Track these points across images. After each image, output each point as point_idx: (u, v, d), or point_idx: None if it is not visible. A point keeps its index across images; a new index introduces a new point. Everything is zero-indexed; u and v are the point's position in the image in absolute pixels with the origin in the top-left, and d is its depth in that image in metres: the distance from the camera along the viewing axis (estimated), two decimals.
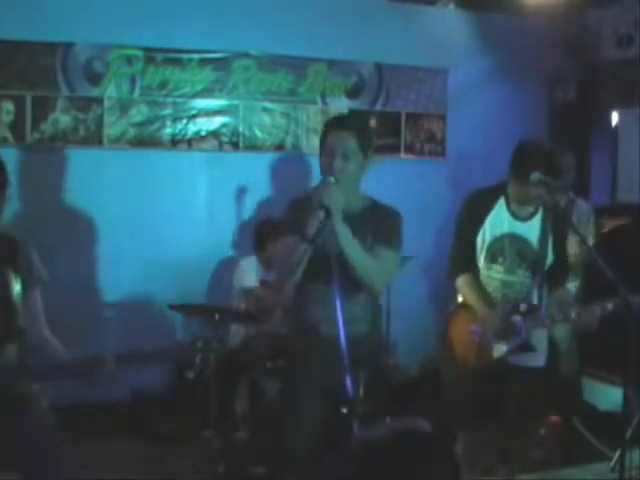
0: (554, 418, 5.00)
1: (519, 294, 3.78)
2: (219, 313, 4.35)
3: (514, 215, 3.80)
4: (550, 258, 3.81)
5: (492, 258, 3.79)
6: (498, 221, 3.80)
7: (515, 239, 3.79)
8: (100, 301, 5.37)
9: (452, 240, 3.90)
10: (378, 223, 3.29)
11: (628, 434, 4.23)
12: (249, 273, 5.07)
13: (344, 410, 2.72)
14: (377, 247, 3.25)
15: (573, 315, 3.59)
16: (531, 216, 3.81)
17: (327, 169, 3.21)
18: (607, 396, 5.01)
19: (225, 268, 5.45)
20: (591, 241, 4.71)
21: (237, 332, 4.85)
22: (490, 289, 3.80)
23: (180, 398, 5.01)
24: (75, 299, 5.06)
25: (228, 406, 4.51)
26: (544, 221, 3.80)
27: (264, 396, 4.45)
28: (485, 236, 3.81)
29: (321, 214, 3.02)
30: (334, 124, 3.32)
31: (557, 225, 3.83)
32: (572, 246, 4.73)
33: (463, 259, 3.86)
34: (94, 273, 5.38)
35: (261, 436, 4.25)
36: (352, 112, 5.70)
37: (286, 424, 3.16)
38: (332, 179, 3.14)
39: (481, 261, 3.82)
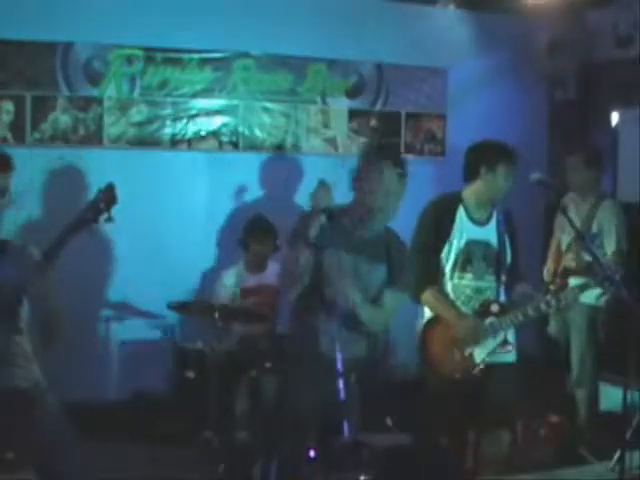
0: (554, 418, 5.00)
1: (490, 298, 3.77)
2: (219, 312, 4.35)
3: (474, 221, 3.78)
4: (509, 258, 3.82)
5: (462, 267, 3.75)
6: (460, 229, 3.77)
7: (479, 245, 3.77)
8: (100, 300, 5.36)
9: (412, 254, 3.69)
10: (392, 254, 3.42)
11: (628, 434, 4.23)
12: (226, 288, 5.05)
13: (338, 412, 2.79)
14: (389, 288, 3.39)
15: (543, 307, 3.64)
16: (488, 220, 3.80)
17: (364, 197, 3.29)
18: (607, 396, 5.00)
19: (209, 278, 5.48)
20: (615, 243, 4.69)
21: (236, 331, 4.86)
22: (462, 298, 3.76)
23: (180, 398, 5.01)
24: (74, 299, 5.04)
25: (228, 406, 4.51)
26: (498, 223, 3.80)
27: (264, 396, 4.45)
28: (451, 246, 3.76)
29: (322, 218, 3.08)
30: (382, 156, 3.36)
31: (512, 225, 3.86)
32: (610, 245, 4.70)
33: (429, 272, 3.77)
34: (94, 273, 5.38)
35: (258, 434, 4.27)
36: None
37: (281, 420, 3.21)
38: (327, 182, 3.19)
39: (448, 272, 3.78)
